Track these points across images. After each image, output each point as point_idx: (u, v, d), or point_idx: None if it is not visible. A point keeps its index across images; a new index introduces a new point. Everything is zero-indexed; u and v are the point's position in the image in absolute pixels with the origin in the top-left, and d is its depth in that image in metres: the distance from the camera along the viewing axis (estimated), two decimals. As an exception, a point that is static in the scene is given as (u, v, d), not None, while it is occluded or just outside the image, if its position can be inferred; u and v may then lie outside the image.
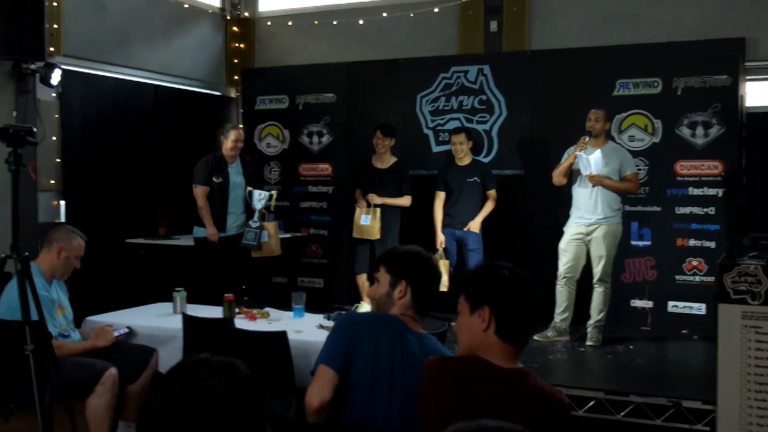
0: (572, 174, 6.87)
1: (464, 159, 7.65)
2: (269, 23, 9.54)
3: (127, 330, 5.09)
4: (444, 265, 7.41)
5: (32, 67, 6.79)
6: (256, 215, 7.05)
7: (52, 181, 7.28)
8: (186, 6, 8.92)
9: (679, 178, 7.50)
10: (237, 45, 9.64)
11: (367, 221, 7.64)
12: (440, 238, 7.66)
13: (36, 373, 3.83)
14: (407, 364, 2.94)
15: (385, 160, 7.79)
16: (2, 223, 4.36)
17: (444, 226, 7.68)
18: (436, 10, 8.46)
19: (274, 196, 7.15)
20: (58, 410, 4.16)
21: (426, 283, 3.18)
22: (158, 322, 5.25)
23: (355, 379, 2.95)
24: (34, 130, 4.07)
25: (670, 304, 7.54)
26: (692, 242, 7.48)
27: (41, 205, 7.15)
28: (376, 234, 7.59)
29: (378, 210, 7.64)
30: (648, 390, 5.45)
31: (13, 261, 3.94)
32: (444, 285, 7.16)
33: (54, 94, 7.25)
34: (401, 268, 3.16)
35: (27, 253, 3.98)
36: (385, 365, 2.95)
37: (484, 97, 8.25)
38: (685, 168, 7.48)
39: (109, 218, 7.66)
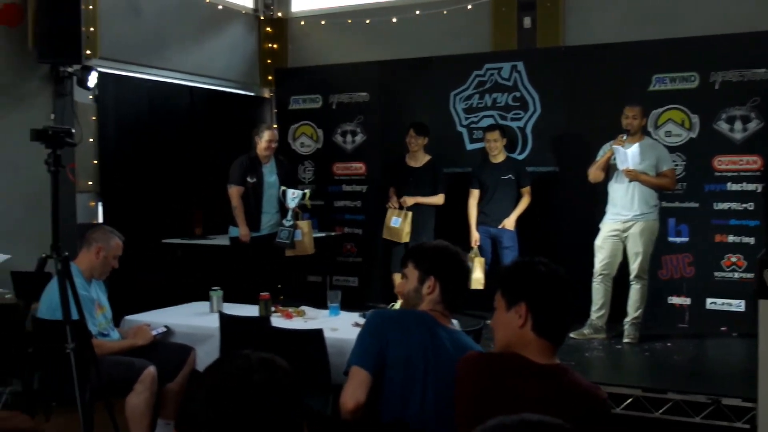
0: (608, 170, 6.81)
1: (498, 156, 7.62)
2: (302, 23, 9.58)
3: (164, 329, 5.13)
4: (479, 263, 7.40)
5: (69, 69, 6.87)
6: (290, 214, 7.08)
7: (90, 183, 7.36)
8: (220, 7, 8.98)
9: (717, 174, 7.41)
10: (270, 45, 9.68)
11: (397, 224, 7.64)
12: (475, 236, 7.64)
13: (77, 372, 3.88)
14: (439, 359, 2.93)
15: (419, 159, 7.79)
16: (43, 224, 4.41)
17: (479, 223, 7.66)
18: (468, 7, 8.44)
19: (308, 194, 7.17)
20: (99, 408, 4.21)
21: (454, 278, 3.15)
22: (195, 321, 5.29)
23: (388, 376, 2.94)
24: (73, 131, 4.13)
25: (709, 300, 7.45)
26: (731, 238, 7.39)
27: (80, 206, 7.23)
28: (404, 237, 7.59)
29: (409, 213, 7.64)
30: (686, 387, 5.41)
31: (53, 261, 3.99)
32: (480, 283, 7.23)
33: (91, 97, 7.33)
34: (429, 264, 3.14)
35: (67, 253, 4.03)
36: (417, 361, 2.94)
37: (518, 94, 8.21)
38: (723, 163, 7.39)
39: (146, 219, 7.73)
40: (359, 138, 9.08)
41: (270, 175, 7.22)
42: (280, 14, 9.69)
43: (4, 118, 6.59)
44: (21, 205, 6.55)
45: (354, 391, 2.89)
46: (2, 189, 6.54)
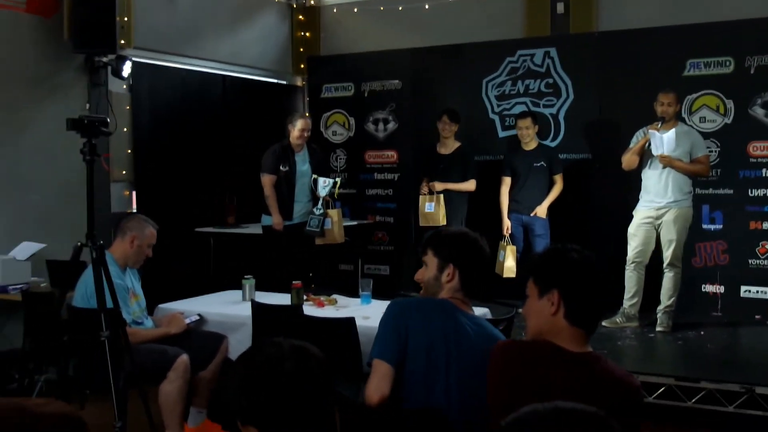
0: (642, 157, 6.74)
1: (530, 143, 7.58)
2: (334, 11, 9.56)
3: (197, 317, 5.15)
4: (511, 251, 7.38)
5: (104, 59, 6.92)
6: (321, 202, 7.09)
7: (124, 172, 7.43)
8: (252, -4, 9.01)
9: (752, 160, 7.31)
10: (303, 33, 9.68)
11: (432, 209, 7.64)
12: (506, 223, 7.62)
13: (111, 360, 3.92)
14: (461, 347, 2.92)
15: (449, 146, 7.77)
16: (78, 213, 4.46)
17: (510, 211, 7.63)
18: (501, -8, 8.40)
19: (338, 183, 7.17)
20: (133, 396, 4.26)
21: (474, 266, 3.11)
22: (228, 310, 5.31)
23: (411, 365, 2.93)
24: (108, 120, 4.16)
25: (743, 288, 7.37)
26: (766, 225, 7.29)
27: (114, 195, 7.29)
28: (441, 220, 7.56)
29: (441, 196, 7.63)
30: (720, 376, 5.35)
31: (88, 249, 4.03)
32: (511, 271, 7.21)
33: (125, 86, 7.39)
34: (448, 251, 3.10)
35: (102, 242, 4.07)
36: (440, 349, 2.92)
37: (550, 81, 8.15)
38: (758, 149, 7.29)
39: (179, 208, 7.79)
40: (391, 126, 9.07)
41: (303, 163, 7.23)
42: (312, 2, 9.68)
43: (40, 108, 6.67)
44: (56, 194, 6.63)
45: (378, 384, 2.89)
46: (38, 178, 6.62)
